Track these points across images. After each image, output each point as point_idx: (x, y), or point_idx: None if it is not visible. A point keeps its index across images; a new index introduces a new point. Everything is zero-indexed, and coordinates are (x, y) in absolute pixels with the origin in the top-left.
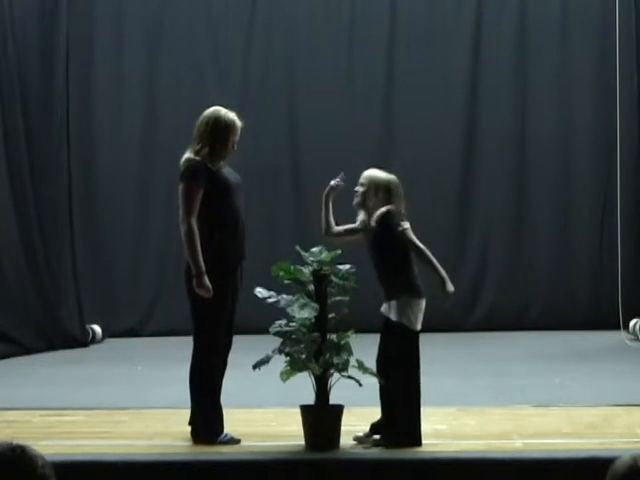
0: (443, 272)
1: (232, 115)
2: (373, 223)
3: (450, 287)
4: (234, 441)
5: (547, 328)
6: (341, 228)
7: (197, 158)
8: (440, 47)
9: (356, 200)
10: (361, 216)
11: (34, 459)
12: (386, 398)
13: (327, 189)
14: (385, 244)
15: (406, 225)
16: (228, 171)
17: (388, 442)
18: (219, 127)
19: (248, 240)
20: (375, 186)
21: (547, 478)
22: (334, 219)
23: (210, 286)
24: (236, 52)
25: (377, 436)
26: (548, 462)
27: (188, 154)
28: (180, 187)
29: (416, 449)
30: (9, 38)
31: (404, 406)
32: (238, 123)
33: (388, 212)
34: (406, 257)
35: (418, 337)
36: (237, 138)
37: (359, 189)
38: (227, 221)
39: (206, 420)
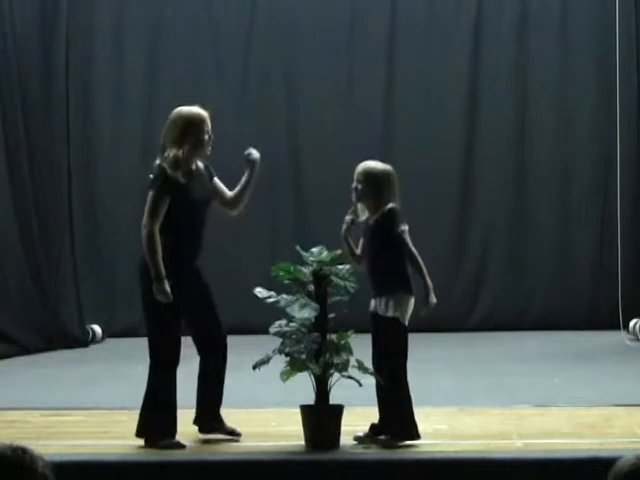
0: (430, 282)
1: (195, 109)
2: (373, 219)
3: (433, 299)
4: (179, 446)
5: (547, 328)
6: (360, 250)
7: (167, 167)
8: (440, 47)
9: (354, 196)
10: (360, 210)
11: (35, 460)
12: (384, 395)
13: (344, 227)
14: (384, 241)
15: (404, 227)
16: (200, 183)
17: (394, 440)
18: (189, 125)
19: (247, 240)
20: (370, 179)
21: (547, 478)
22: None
23: (170, 292)
24: (236, 52)
25: (383, 437)
26: (548, 462)
27: (160, 161)
28: (149, 194)
29: (416, 449)
30: (9, 38)
31: (403, 401)
32: (204, 113)
33: (391, 211)
34: (403, 255)
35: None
36: (209, 127)
37: (355, 185)
38: (181, 233)
39: (152, 422)
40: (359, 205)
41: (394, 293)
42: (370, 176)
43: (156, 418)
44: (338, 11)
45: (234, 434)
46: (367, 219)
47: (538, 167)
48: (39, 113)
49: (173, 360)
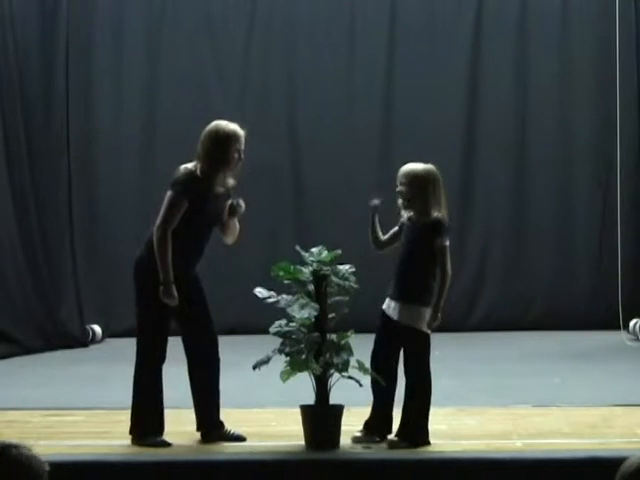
0: (442, 304)
1: (232, 126)
2: (420, 223)
3: (439, 320)
4: (164, 444)
5: (547, 328)
6: (387, 237)
7: (198, 174)
8: (440, 46)
9: (400, 200)
10: (405, 215)
11: (28, 458)
12: (406, 400)
13: (370, 210)
14: (423, 250)
15: (447, 242)
16: (218, 201)
17: (406, 444)
18: (220, 140)
19: (247, 240)
20: (414, 181)
21: (547, 478)
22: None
23: (176, 295)
24: (236, 52)
25: (395, 439)
26: (548, 462)
27: (190, 165)
28: (168, 194)
29: (416, 449)
30: (9, 38)
31: (423, 407)
32: (240, 132)
33: (440, 222)
34: (436, 267)
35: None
36: (242, 147)
37: (400, 188)
38: (188, 242)
39: (138, 420)
40: (405, 210)
41: (423, 303)
42: (414, 178)
43: (144, 416)
44: (338, 11)
45: (239, 439)
46: (410, 219)
47: (538, 167)
48: (39, 113)
49: (160, 358)
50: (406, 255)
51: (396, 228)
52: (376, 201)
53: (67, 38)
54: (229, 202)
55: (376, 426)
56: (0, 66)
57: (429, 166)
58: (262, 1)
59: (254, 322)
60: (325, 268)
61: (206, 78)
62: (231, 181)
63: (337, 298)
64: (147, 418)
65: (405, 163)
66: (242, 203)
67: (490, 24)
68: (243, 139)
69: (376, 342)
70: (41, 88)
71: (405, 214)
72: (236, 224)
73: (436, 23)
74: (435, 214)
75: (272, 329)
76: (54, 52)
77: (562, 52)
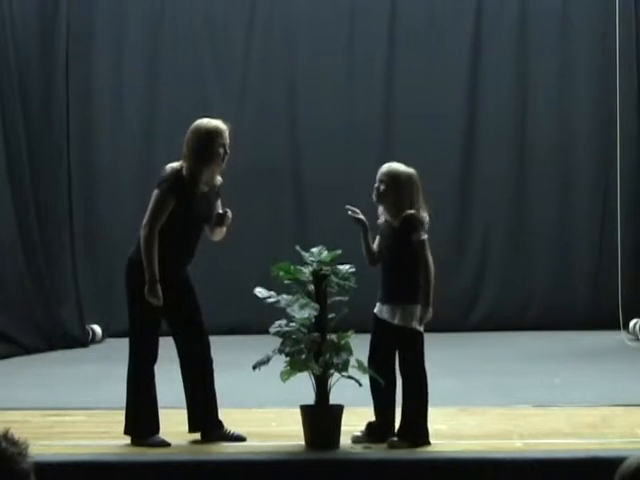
0: (431, 299)
1: (215, 122)
2: (395, 223)
3: (430, 314)
4: (164, 444)
5: (547, 328)
6: (377, 250)
7: (183, 172)
8: (440, 45)
9: (375, 196)
10: (380, 211)
11: (12, 456)
12: (404, 400)
13: (360, 228)
14: (402, 248)
15: (424, 236)
16: (207, 199)
17: (406, 445)
18: (202, 136)
19: (248, 240)
20: (394, 181)
21: (547, 478)
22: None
23: (161, 295)
24: (236, 52)
25: (395, 439)
26: (548, 462)
27: (176, 165)
28: (154, 193)
29: (416, 449)
30: (9, 38)
31: (420, 406)
32: (222, 127)
33: (413, 217)
34: (419, 263)
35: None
36: (227, 142)
37: (377, 185)
38: (176, 241)
39: (135, 420)
40: (379, 207)
41: (410, 303)
42: (392, 178)
43: (141, 416)
44: (338, 11)
45: (239, 439)
46: (387, 221)
47: (538, 167)
48: (39, 113)
49: (152, 358)
50: (387, 257)
51: (378, 237)
52: (359, 216)
53: (67, 38)
54: (216, 212)
55: (379, 429)
56: (0, 66)
57: (411, 170)
58: (262, 1)
59: (254, 322)
60: (325, 268)
61: (206, 78)
62: (219, 179)
63: (337, 298)
64: (142, 418)
65: (404, 163)
66: (230, 214)
67: (490, 24)
68: (227, 134)
69: (371, 347)
70: (41, 88)
71: (381, 217)
72: (223, 230)
73: (436, 23)
74: (408, 211)
75: (272, 329)
76: (54, 52)
77: (562, 52)
